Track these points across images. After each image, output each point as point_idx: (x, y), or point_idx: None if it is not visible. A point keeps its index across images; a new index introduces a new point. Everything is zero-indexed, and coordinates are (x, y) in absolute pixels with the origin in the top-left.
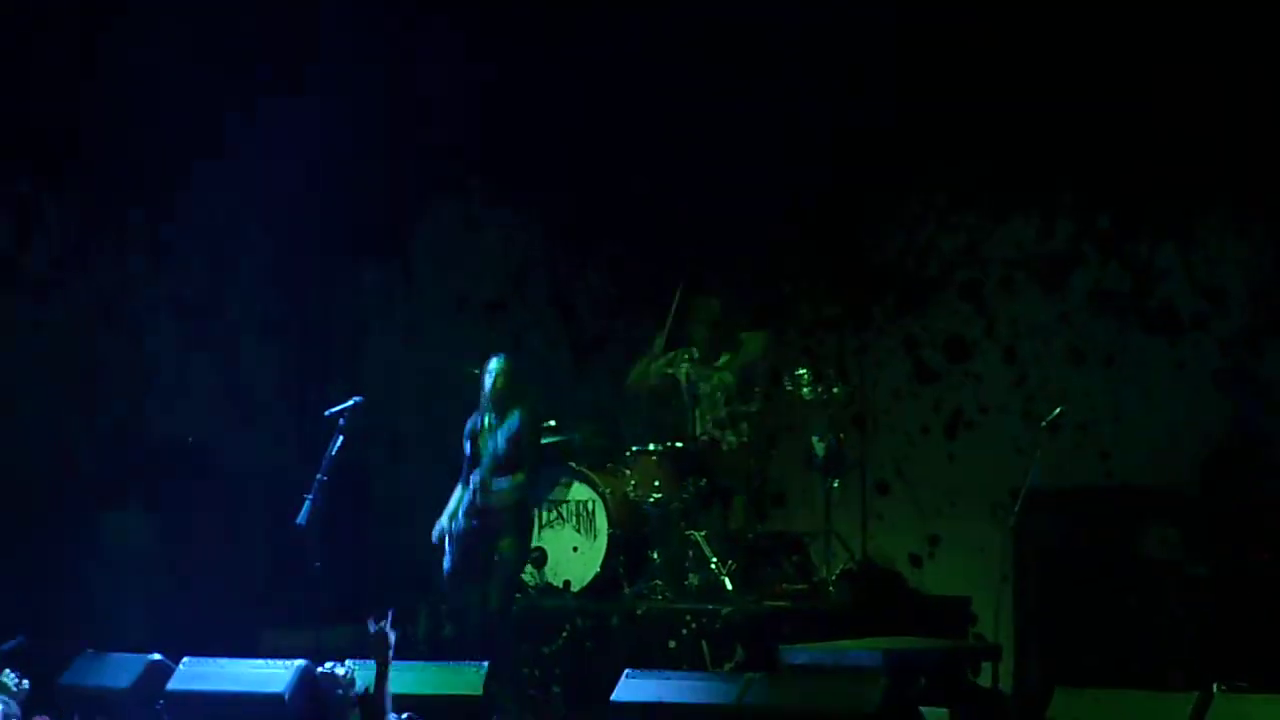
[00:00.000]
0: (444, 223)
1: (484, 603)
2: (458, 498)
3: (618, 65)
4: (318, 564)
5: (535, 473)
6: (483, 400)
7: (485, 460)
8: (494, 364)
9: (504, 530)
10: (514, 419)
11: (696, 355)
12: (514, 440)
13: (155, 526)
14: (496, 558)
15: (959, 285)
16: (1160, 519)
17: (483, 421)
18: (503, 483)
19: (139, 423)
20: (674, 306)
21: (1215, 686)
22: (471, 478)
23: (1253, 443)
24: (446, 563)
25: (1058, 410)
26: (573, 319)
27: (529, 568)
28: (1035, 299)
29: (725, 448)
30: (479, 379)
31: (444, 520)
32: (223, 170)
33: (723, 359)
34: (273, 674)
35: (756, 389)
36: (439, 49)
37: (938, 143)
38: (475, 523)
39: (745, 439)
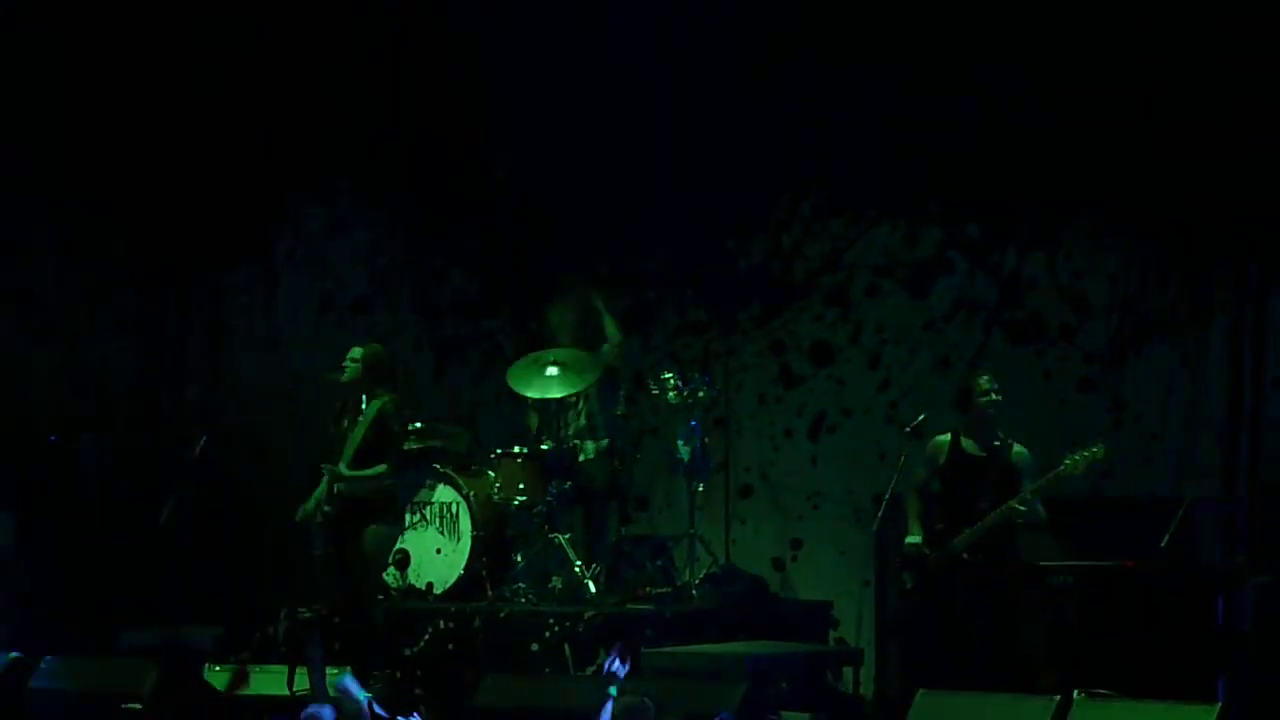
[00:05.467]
0: (308, 224)
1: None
2: (323, 485)
3: (481, 63)
4: (177, 564)
5: (397, 465)
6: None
7: (346, 449)
8: (354, 351)
9: (367, 520)
10: (373, 408)
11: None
12: (374, 429)
13: (14, 525)
14: (357, 549)
15: (825, 290)
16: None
17: (344, 408)
18: (361, 472)
19: None
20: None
21: (1076, 693)
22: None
23: None
24: (316, 545)
25: (921, 416)
26: (436, 321)
27: (392, 569)
28: (902, 305)
29: (589, 451)
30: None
31: (309, 504)
32: (82, 166)
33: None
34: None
35: (620, 392)
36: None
37: (805, 148)
38: (334, 512)
39: (608, 441)
